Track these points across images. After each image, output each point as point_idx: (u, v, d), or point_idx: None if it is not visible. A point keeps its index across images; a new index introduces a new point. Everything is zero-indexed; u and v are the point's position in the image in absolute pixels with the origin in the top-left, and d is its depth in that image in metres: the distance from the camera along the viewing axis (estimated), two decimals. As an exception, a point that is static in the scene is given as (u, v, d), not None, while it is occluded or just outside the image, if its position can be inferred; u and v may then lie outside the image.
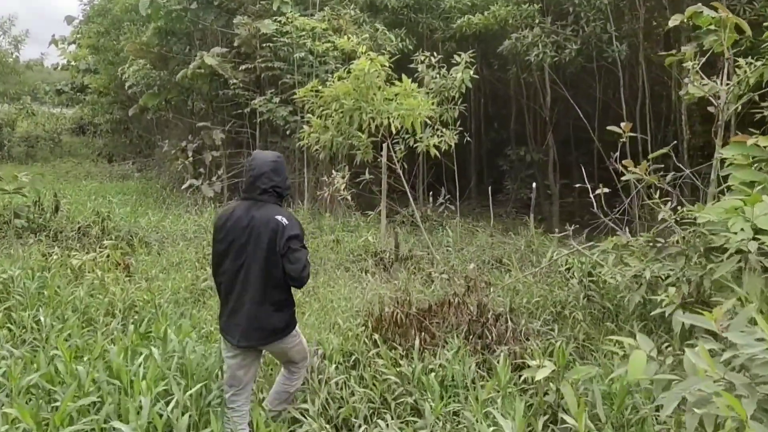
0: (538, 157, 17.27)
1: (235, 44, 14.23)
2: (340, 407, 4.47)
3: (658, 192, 5.85)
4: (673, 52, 7.21)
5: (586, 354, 5.73)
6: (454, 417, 4.31)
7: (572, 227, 6.63)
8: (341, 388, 4.68)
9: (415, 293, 6.87)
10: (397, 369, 4.68)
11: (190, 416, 3.47)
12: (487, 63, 17.28)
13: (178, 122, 17.80)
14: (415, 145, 9.15)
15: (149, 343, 4.21)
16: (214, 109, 15.99)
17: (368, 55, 7.01)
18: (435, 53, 9.85)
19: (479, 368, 5.19)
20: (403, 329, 5.96)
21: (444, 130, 9.22)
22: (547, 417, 4.28)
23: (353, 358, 5.29)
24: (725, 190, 6.04)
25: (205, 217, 11.75)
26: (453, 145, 9.31)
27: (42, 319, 5.14)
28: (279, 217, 3.59)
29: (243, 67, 14.07)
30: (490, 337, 5.91)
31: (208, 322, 6.27)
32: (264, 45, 13.62)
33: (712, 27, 6.62)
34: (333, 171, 9.74)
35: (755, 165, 5.17)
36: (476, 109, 18.75)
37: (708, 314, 2.66)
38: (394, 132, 7.22)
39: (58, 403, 3.34)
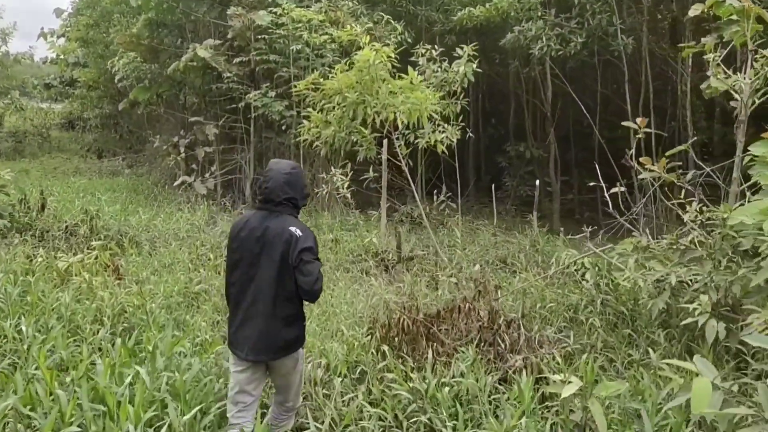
0: (537, 154, 16.96)
1: (229, 36, 13.80)
2: (347, 426, 4.11)
3: (683, 192, 5.51)
4: (692, 43, 6.88)
5: (604, 363, 5.39)
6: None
7: (589, 228, 6.26)
8: (347, 404, 4.33)
9: (420, 297, 6.52)
10: (410, 385, 4.32)
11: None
12: (486, 57, 16.93)
13: (170, 117, 17.35)
14: (416, 141, 8.81)
15: (138, 360, 3.81)
16: (207, 104, 15.55)
17: (372, 45, 6.62)
18: (435, 47, 9.50)
19: (495, 379, 4.87)
20: (410, 336, 5.62)
21: (446, 125, 8.87)
22: (573, 438, 3.96)
23: (359, 369, 4.94)
24: (746, 189, 5.73)
25: (198, 215, 11.36)
26: (455, 141, 8.97)
27: (24, 328, 4.75)
28: (293, 229, 3.53)
29: (237, 60, 13.64)
30: (502, 345, 5.58)
31: (203, 330, 5.90)
32: (259, 37, 13.19)
33: (734, 18, 6.31)
34: (331, 168, 9.36)
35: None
36: (474, 104, 18.40)
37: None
38: (400, 127, 6.84)
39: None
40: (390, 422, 4.12)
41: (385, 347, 5.03)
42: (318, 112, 7.04)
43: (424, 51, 9.37)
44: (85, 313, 5.70)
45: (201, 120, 14.42)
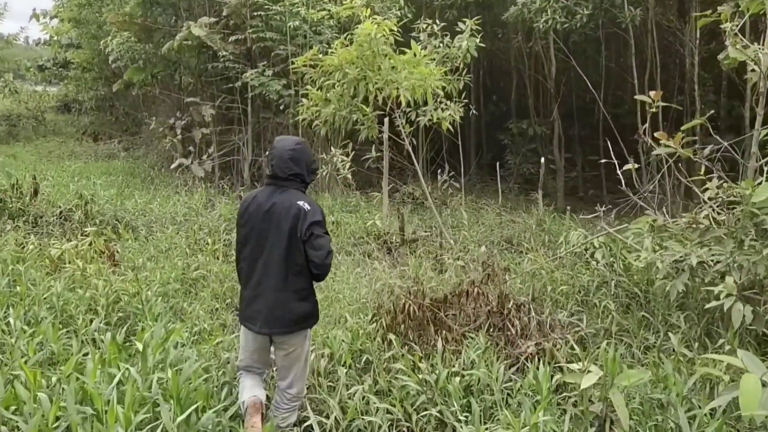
0: (540, 131, 16.63)
1: (224, 14, 13.41)
2: (353, 420, 3.89)
3: (703, 168, 5.24)
4: (707, 12, 6.57)
5: (619, 348, 5.14)
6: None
7: (603, 208, 6.00)
8: (352, 397, 4.11)
9: (426, 281, 6.28)
10: (419, 376, 4.09)
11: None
12: (487, 32, 16.54)
13: (166, 98, 16.99)
14: (418, 120, 8.52)
15: (131, 353, 3.57)
16: (202, 84, 15.19)
17: (374, 18, 6.30)
18: (436, 22, 9.16)
19: (509, 368, 4.65)
20: (416, 323, 5.39)
21: (448, 102, 8.57)
22: (594, 430, 3.74)
23: (364, 358, 4.72)
24: (764, 164, 5.47)
25: (196, 198, 11.09)
26: (458, 119, 8.68)
27: (12, 321, 4.51)
28: (301, 203, 3.53)
29: (233, 38, 13.27)
30: (513, 331, 5.36)
31: (202, 318, 5.68)
32: (255, 14, 12.82)
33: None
34: (331, 148, 9.07)
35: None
36: (475, 81, 18.02)
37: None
38: (404, 104, 6.53)
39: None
40: (398, 416, 3.89)
41: (392, 336, 4.80)
42: (317, 90, 6.73)
43: (425, 26, 9.04)
44: (78, 302, 5.47)
45: (197, 101, 14.09)
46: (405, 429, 3.86)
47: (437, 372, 4.12)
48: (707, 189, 5.18)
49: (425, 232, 9.68)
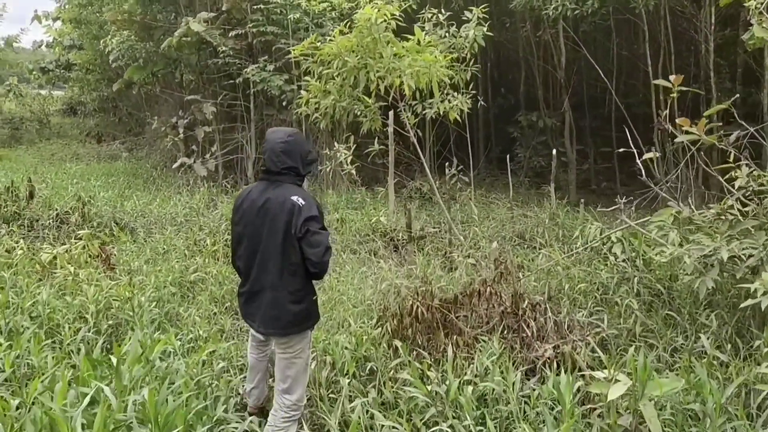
0: (551, 123, 16.20)
1: (224, 8, 13.09)
2: (356, 435, 3.55)
3: (731, 155, 4.86)
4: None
5: (644, 350, 4.76)
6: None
7: (624, 200, 5.63)
8: (354, 410, 3.77)
9: (435, 281, 5.93)
10: (428, 388, 3.74)
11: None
12: (494, 22, 16.12)
13: (168, 98, 16.70)
14: (424, 112, 8.15)
15: (106, 372, 3.24)
16: (204, 81, 14.88)
17: (375, 3, 5.93)
18: (442, 11, 8.78)
19: (525, 376, 4.30)
20: (425, 326, 5.05)
21: (455, 94, 8.20)
22: (622, 446, 3.38)
23: (368, 366, 4.38)
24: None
25: (197, 199, 10.79)
26: (465, 111, 8.30)
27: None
28: (295, 198, 3.36)
29: (233, 33, 12.94)
30: (528, 332, 5.01)
31: (197, 325, 5.35)
32: (255, 8, 12.48)
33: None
34: (335, 143, 8.73)
35: None
36: (483, 73, 17.61)
37: None
38: (407, 93, 6.16)
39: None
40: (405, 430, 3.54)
41: (398, 342, 4.45)
42: (316, 81, 6.37)
43: (430, 15, 8.67)
44: (66, 310, 5.16)
45: (198, 98, 13.78)
46: (413, 445, 3.52)
47: (448, 382, 3.77)
48: (736, 178, 4.80)
49: (433, 228, 9.33)
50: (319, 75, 6.35)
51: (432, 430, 3.52)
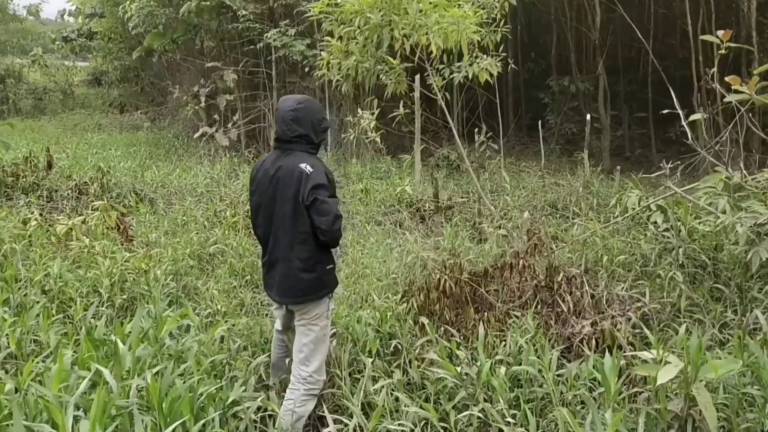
0: (583, 87, 15.60)
1: (244, -29, 12.70)
2: (381, 420, 3.27)
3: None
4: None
5: (689, 326, 4.40)
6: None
7: (669, 164, 5.22)
8: (378, 392, 3.50)
9: (463, 253, 5.61)
10: (457, 369, 3.44)
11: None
12: (524, -17, 15.48)
13: (190, 66, 16.41)
14: (452, 75, 7.72)
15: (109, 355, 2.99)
16: (225, 48, 14.55)
17: (399, -46, 5.52)
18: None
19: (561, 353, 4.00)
20: (453, 300, 4.76)
21: (484, 56, 7.75)
22: (672, 432, 3.06)
23: (393, 344, 4.10)
24: None
25: (218, 168, 10.56)
26: (496, 75, 7.85)
27: (-3, 308, 4.01)
28: (303, 165, 3.30)
29: (253, -4, 12.57)
30: (563, 307, 4.70)
31: (215, 299, 5.12)
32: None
33: None
34: (359, 110, 8.37)
35: None
36: (513, 36, 16.99)
37: None
38: (435, 52, 5.78)
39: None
40: (433, 420, 3.25)
41: (424, 319, 4.16)
42: (337, 41, 6.01)
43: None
44: (80, 284, 4.96)
45: (219, 66, 13.47)
46: (441, 430, 3.23)
47: (479, 363, 3.48)
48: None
49: (462, 198, 8.99)
50: (340, 35, 5.98)
51: (462, 414, 3.23)
